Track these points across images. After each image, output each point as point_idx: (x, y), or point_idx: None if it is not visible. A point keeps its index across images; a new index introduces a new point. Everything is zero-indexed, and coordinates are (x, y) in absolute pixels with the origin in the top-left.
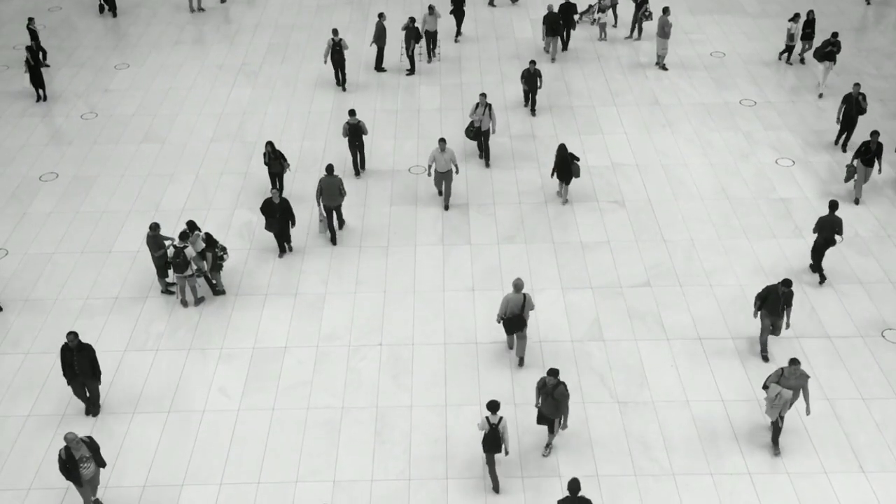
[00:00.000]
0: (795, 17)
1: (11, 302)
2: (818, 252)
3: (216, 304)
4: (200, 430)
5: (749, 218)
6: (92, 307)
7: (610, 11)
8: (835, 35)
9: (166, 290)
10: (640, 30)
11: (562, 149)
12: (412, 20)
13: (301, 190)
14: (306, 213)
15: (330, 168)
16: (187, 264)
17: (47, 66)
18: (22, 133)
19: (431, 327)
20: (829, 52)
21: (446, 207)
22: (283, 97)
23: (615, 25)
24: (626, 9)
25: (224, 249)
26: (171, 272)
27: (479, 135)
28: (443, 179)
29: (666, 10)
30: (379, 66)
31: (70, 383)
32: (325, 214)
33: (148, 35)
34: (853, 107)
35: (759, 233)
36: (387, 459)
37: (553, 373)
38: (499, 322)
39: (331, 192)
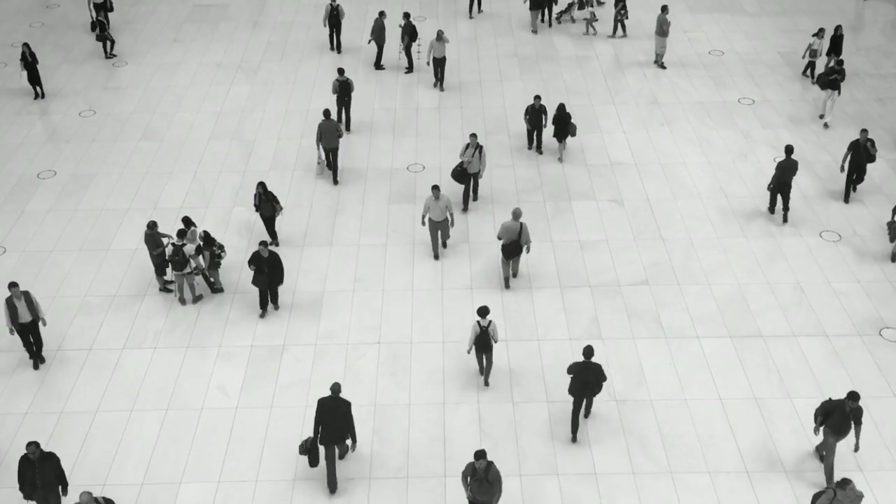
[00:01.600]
0: (820, 32)
1: None
2: (775, 193)
3: (214, 302)
4: (199, 428)
5: (747, 217)
6: (90, 305)
7: (591, 8)
8: (840, 63)
9: (164, 287)
10: (624, 27)
11: (560, 108)
12: (407, 15)
13: (300, 187)
14: (304, 212)
15: (327, 112)
16: (186, 262)
17: (114, 55)
18: (20, 130)
19: (429, 326)
20: (832, 80)
21: (436, 257)
22: (282, 95)
23: (596, 19)
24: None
25: (222, 247)
26: (169, 270)
27: (465, 177)
28: (438, 229)
29: (664, 9)
30: (378, 64)
31: (29, 499)
32: (324, 157)
33: (146, 33)
34: (861, 154)
35: (758, 231)
36: (385, 457)
37: (480, 455)
38: (499, 239)
39: (329, 135)
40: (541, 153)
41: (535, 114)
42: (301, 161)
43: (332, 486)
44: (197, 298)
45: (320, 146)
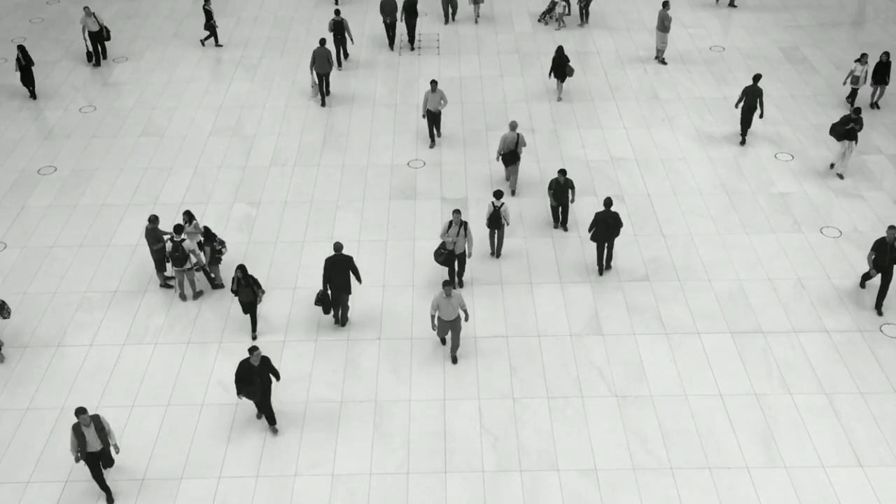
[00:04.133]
0: (863, 58)
1: (10, 295)
2: (745, 116)
3: (215, 298)
4: (199, 424)
5: (748, 212)
6: (90, 300)
7: (563, 2)
8: (857, 111)
9: (165, 283)
10: (585, 15)
11: (559, 50)
12: None
13: (300, 184)
14: (305, 208)
15: (322, 41)
16: (186, 258)
17: (220, 46)
18: (20, 126)
19: (430, 321)
20: (849, 129)
21: (454, 360)
22: (282, 91)
23: (568, 13)
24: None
25: (222, 243)
26: (169, 266)
27: (451, 259)
28: (449, 329)
29: (666, 5)
30: (392, 43)
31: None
32: (317, 81)
33: (146, 28)
34: (886, 255)
35: (758, 227)
36: (385, 453)
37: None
38: (497, 159)
39: (321, 61)
40: (566, 230)
41: (560, 189)
42: (301, 158)
43: (342, 321)
44: (197, 294)
45: (314, 71)
